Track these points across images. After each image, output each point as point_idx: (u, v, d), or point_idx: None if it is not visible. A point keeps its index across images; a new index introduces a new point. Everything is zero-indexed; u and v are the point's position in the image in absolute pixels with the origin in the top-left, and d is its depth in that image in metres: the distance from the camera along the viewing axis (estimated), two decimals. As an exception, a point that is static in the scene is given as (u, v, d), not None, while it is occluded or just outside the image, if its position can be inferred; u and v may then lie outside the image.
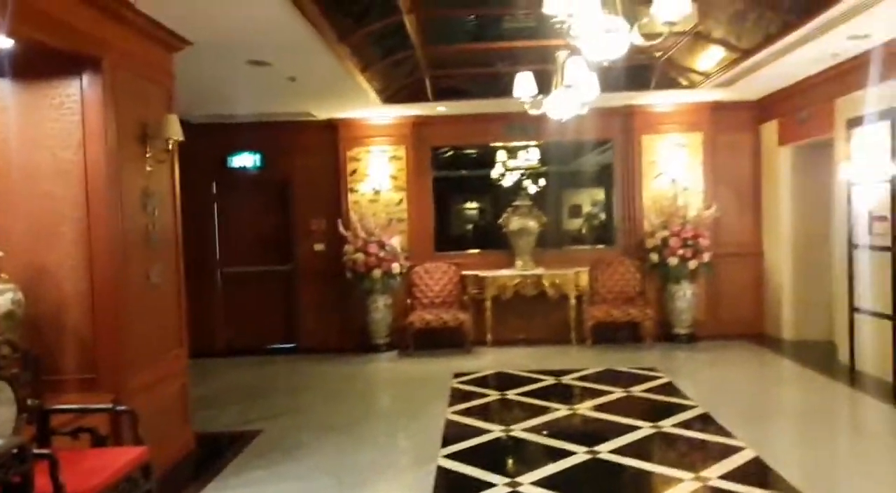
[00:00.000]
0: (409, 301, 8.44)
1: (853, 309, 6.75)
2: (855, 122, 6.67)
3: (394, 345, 8.45)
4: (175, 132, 4.73)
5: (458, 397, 6.24)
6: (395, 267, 8.16)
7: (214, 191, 8.99)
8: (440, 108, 8.37)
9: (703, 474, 4.21)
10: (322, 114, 8.46)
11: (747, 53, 6.77)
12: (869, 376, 6.38)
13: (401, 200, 8.79)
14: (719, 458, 4.45)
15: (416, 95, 7.93)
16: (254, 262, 8.99)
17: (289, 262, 8.94)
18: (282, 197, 8.97)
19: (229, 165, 8.97)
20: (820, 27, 5.57)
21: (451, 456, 4.70)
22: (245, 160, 8.96)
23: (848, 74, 6.59)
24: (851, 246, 6.80)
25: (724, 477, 4.15)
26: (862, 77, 6.35)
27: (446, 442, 4.98)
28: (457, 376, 7.03)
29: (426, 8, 5.90)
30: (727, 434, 4.92)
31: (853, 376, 6.49)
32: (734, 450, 4.58)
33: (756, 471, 4.25)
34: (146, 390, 4.34)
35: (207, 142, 8.19)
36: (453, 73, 7.83)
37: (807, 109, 7.58)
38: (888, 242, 6.19)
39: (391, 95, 7.85)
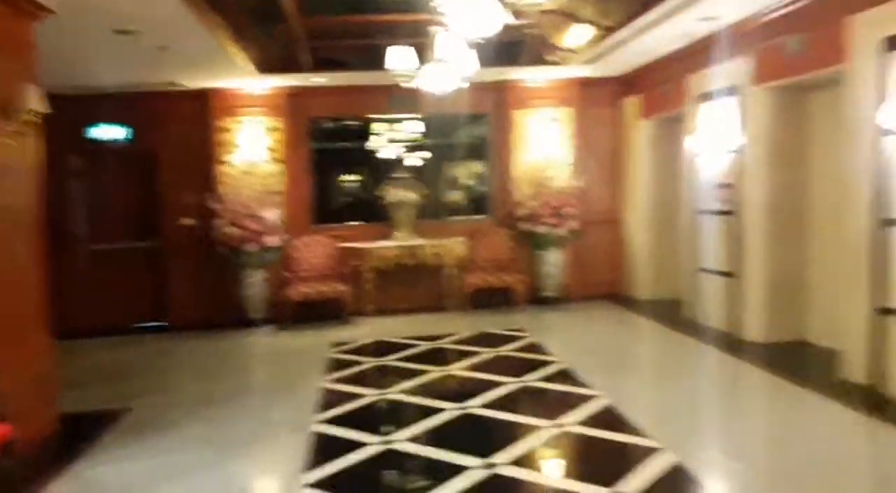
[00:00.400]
0: (287, 275, 8.39)
1: (698, 269, 7.43)
2: (704, 97, 7.25)
3: (271, 320, 8.38)
4: (37, 104, 4.50)
5: (335, 366, 6.33)
6: (272, 241, 8.07)
7: (78, 165, 8.49)
8: (319, 78, 8.29)
9: (561, 421, 4.57)
10: (192, 84, 8.15)
11: (611, 31, 7.17)
12: (710, 329, 7.06)
13: (279, 172, 8.67)
14: (577, 406, 4.83)
15: (293, 66, 7.81)
16: (121, 238, 8.61)
17: (158, 237, 8.62)
18: (150, 170, 8.59)
19: (94, 137, 8.48)
20: (674, 8, 5.99)
21: (327, 421, 4.82)
22: (110, 132, 8.50)
23: (698, 53, 7.11)
24: (697, 211, 7.44)
25: (580, 423, 4.53)
26: (711, 56, 6.89)
27: (322, 409, 5.08)
28: (335, 346, 7.10)
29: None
30: (584, 385, 5.34)
31: (697, 329, 7.15)
32: (590, 399, 4.99)
33: (608, 417, 4.65)
34: (6, 371, 4.13)
35: (71, 114, 7.73)
36: (332, 44, 7.77)
37: (664, 85, 8.13)
38: (729, 207, 6.84)
39: (267, 65, 7.69)
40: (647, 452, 4.01)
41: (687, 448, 4.08)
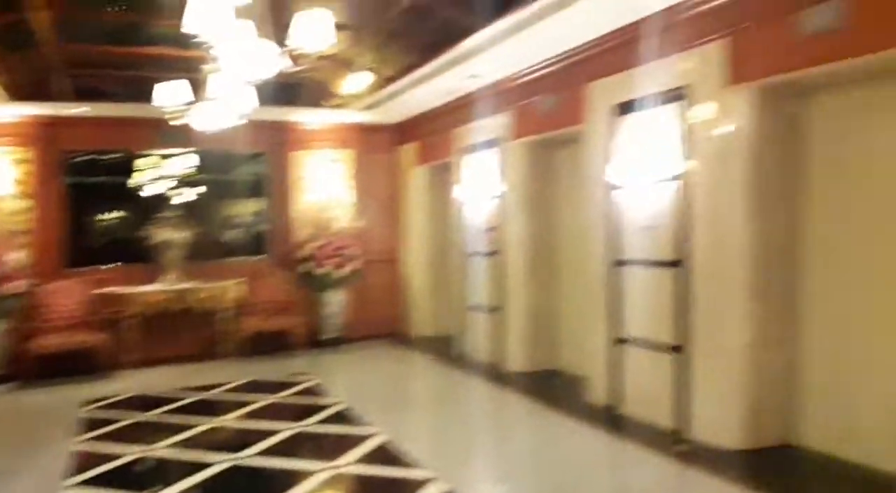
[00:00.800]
0: (32, 325, 7.43)
1: (468, 306, 7.94)
2: (470, 148, 7.85)
3: (13, 376, 7.32)
4: None
5: (90, 425, 5.68)
6: (13, 286, 7.10)
7: None
8: (79, 108, 7.61)
9: (339, 462, 4.57)
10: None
11: (387, 82, 7.53)
12: (479, 362, 7.56)
13: (26, 209, 7.74)
14: (355, 446, 4.87)
15: (48, 93, 7.11)
16: None
17: None
18: None
19: None
20: (445, 64, 6.47)
21: (81, 485, 4.33)
22: None
23: (466, 107, 7.69)
24: (467, 252, 7.98)
25: (358, 462, 4.58)
26: (476, 110, 7.50)
27: (74, 472, 4.55)
28: (91, 403, 6.39)
29: (63, 6, 5.41)
30: (364, 424, 5.40)
31: (468, 363, 7.62)
32: (369, 437, 5.06)
33: (386, 453, 4.75)
34: None
35: None
36: (95, 73, 7.23)
37: (436, 135, 8.66)
38: (494, 248, 7.42)
39: (18, 91, 6.91)
40: (421, 483, 4.15)
41: (457, 476, 4.31)
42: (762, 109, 4.51)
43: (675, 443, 4.79)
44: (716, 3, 4.51)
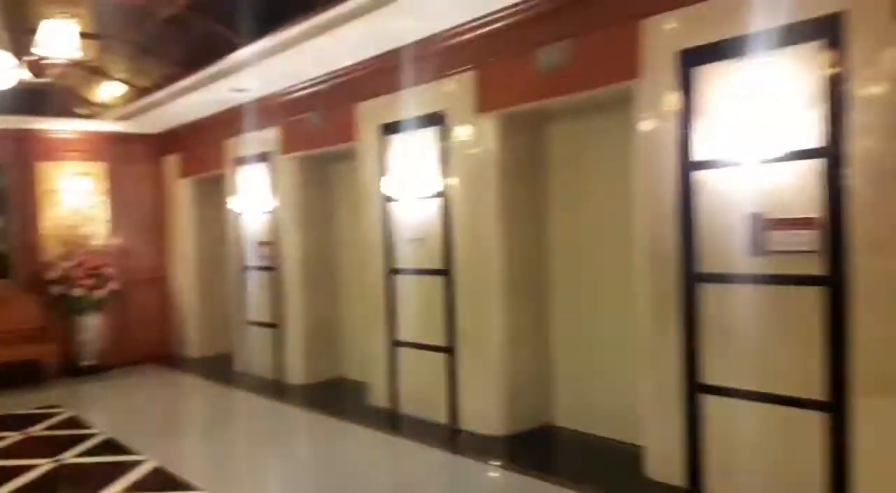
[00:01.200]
0: None
1: (246, 322, 7.82)
2: (241, 161, 7.72)
3: None
4: None
5: None
6: None
7: None
8: None
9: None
10: None
11: (144, 92, 7.15)
12: (259, 378, 7.48)
13: None
14: (122, 476, 4.60)
15: None
16: None
17: None
18: None
19: None
20: (208, 77, 6.33)
21: None
22: None
23: (235, 120, 7.54)
24: (242, 267, 7.86)
25: (126, 491, 4.35)
26: (245, 124, 7.40)
27: None
28: None
29: None
30: (131, 453, 5.11)
31: (246, 380, 7.49)
32: (137, 465, 4.81)
33: (157, 479, 4.57)
34: None
35: None
36: None
37: (204, 147, 8.36)
38: (270, 263, 7.40)
39: None
40: (197, 505, 4.09)
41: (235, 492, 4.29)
42: (506, 135, 5.11)
43: (448, 436, 5.22)
44: (464, 37, 5.02)
